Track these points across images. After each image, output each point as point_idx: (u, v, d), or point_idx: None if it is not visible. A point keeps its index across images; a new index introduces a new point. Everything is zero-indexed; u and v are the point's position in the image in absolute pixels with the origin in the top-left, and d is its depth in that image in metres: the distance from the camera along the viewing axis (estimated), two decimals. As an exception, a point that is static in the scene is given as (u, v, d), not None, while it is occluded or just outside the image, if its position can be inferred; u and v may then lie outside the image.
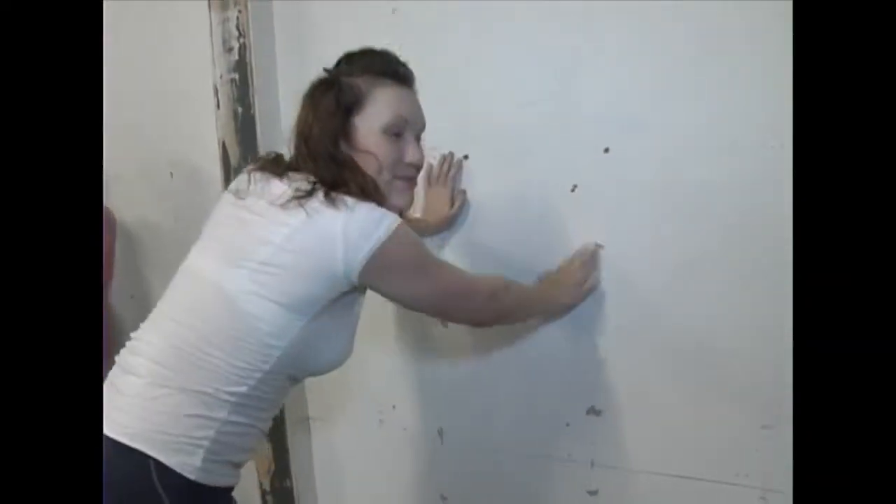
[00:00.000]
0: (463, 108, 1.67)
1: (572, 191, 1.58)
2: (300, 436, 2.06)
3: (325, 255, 1.08)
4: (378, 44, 1.69)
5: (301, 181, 1.14)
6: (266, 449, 1.99)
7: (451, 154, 1.70)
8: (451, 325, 1.77)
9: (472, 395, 1.79)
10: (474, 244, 1.71)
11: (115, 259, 2.10)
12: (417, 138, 1.27)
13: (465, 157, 1.70)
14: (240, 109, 1.89)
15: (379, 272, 1.12)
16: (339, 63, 1.28)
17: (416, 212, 1.65)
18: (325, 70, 1.27)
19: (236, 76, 1.87)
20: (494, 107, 1.64)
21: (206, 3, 1.89)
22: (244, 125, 1.90)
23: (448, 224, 1.70)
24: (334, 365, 1.25)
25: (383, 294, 1.20)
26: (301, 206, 1.10)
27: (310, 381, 2.01)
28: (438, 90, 1.62)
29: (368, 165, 1.20)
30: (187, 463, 1.10)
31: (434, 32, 1.69)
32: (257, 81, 1.87)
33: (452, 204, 1.68)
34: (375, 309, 1.42)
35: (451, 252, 1.73)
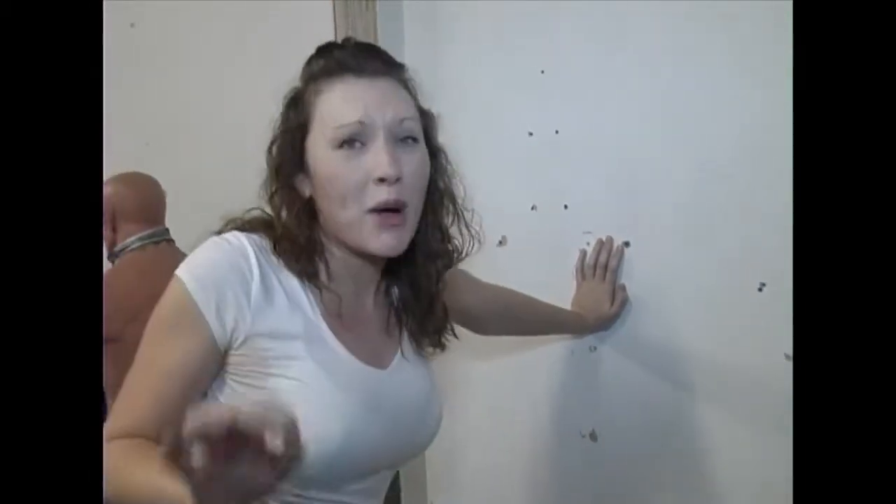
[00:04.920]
0: (623, 182, 1.46)
1: (760, 290, 1.33)
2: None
3: None
4: (523, 110, 1.57)
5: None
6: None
7: (610, 239, 1.48)
8: (602, 434, 1.51)
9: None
10: (635, 347, 1.48)
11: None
12: (395, 142, 0.93)
13: (626, 243, 1.48)
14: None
15: None
16: None
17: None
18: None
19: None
20: (666, 179, 1.41)
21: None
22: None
23: (607, 324, 1.48)
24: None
25: None
26: None
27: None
28: (592, 161, 1.49)
29: (328, 200, 0.92)
30: None
31: (589, 94, 1.50)
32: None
33: (612, 301, 1.45)
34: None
35: (610, 352, 1.51)
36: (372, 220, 0.91)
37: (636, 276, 1.47)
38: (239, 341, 0.90)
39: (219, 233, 0.95)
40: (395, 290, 1.05)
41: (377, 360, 0.99)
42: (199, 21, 2.14)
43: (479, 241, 1.06)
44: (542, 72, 1.54)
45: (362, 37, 1.72)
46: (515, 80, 1.58)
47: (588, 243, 1.50)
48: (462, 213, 1.04)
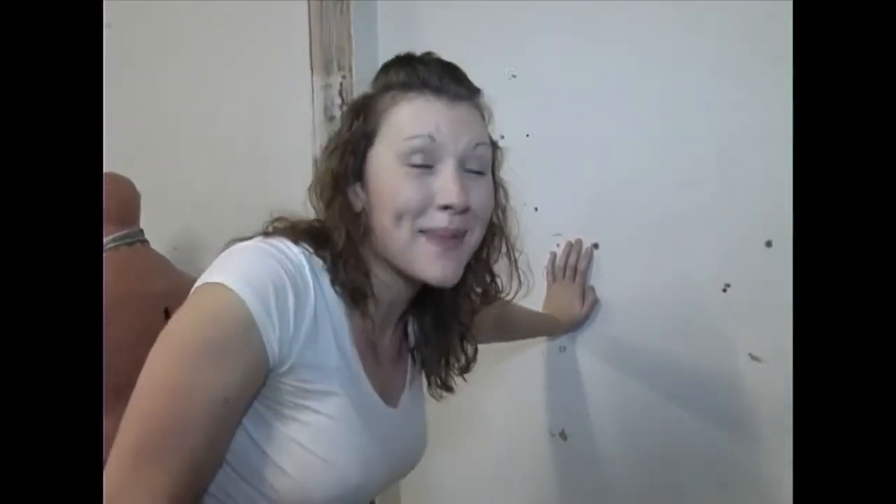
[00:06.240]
0: (592, 185, 1.48)
1: (724, 290, 1.35)
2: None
3: None
4: (494, 113, 1.57)
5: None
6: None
7: (579, 242, 1.50)
8: (572, 433, 1.51)
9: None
10: (605, 347, 1.50)
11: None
12: (463, 170, 0.86)
13: (595, 245, 1.49)
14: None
15: None
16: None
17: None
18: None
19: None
20: (634, 182, 1.43)
21: (308, 67, 1.76)
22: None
23: (577, 326, 1.49)
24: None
25: None
26: None
27: None
28: (563, 164, 1.51)
29: (383, 215, 0.84)
30: None
31: (559, 98, 1.51)
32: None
33: (583, 302, 1.46)
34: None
35: (579, 352, 1.53)
36: (427, 244, 0.84)
37: (605, 278, 1.48)
38: (283, 368, 0.80)
39: (264, 234, 0.86)
40: (415, 322, 1.01)
41: (388, 396, 0.95)
42: (174, 21, 2.14)
43: (528, 286, 1.00)
44: (514, 76, 1.55)
45: (336, 38, 1.73)
46: (486, 83, 1.57)
47: (558, 245, 1.51)
48: (513, 251, 0.98)
